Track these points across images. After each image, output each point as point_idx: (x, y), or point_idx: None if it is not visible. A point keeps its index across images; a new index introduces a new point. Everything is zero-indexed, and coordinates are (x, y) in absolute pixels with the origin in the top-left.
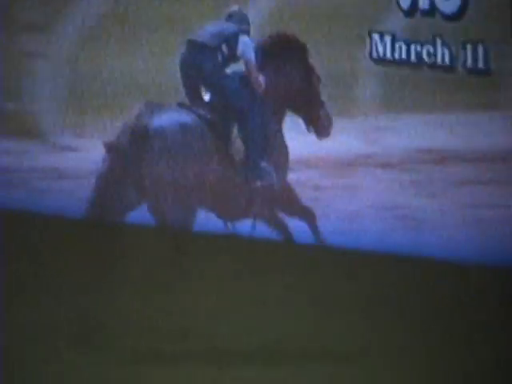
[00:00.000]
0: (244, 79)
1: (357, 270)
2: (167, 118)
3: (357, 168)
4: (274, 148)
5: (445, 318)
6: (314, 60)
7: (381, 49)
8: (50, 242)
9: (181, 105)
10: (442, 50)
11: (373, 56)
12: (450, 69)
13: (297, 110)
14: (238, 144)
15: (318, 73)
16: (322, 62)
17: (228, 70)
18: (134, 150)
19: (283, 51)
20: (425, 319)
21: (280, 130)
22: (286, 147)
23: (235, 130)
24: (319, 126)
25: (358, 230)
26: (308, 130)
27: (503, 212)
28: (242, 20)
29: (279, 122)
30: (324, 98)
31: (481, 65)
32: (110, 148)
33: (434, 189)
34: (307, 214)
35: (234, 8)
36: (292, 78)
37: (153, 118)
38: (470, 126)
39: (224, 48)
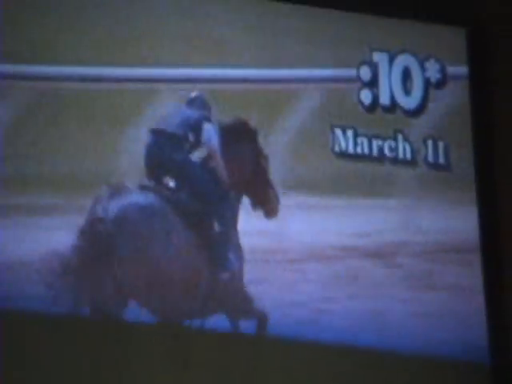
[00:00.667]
0: (207, 166)
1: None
2: (130, 201)
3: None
4: (235, 236)
5: None
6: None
7: (343, 143)
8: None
9: (143, 187)
10: (404, 145)
11: (335, 150)
12: (411, 163)
13: (248, 192)
14: (204, 230)
15: (265, 153)
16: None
17: (192, 157)
18: (102, 236)
19: (234, 136)
20: None
21: (237, 216)
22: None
23: (201, 216)
24: (268, 205)
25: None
26: (254, 209)
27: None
28: (203, 106)
29: (237, 208)
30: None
31: (441, 160)
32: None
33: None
34: (260, 314)
35: (195, 94)
36: (243, 162)
37: (114, 202)
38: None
39: (190, 136)
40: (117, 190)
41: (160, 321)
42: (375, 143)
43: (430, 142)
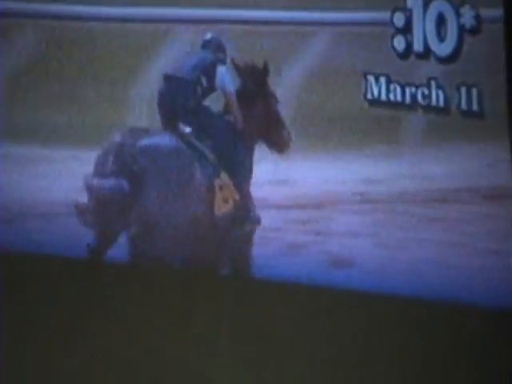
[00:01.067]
0: (222, 113)
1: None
2: (156, 141)
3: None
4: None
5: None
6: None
7: (376, 90)
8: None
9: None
10: (437, 93)
11: (368, 97)
12: (444, 111)
13: (262, 137)
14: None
15: (273, 92)
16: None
17: (206, 102)
18: (123, 173)
19: (245, 77)
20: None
21: (252, 166)
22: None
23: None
24: (281, 142)
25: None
26: (271, 151)
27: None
28: (218, 48)
29: (251, 155)
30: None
31: (475, 107)
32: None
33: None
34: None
35: (209, 36)
36: (255, 105)
37: (140, 141)
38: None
39: (203, 80)
40: (142, 132)
41: (184, 266)
42: (408, 90)
43: (463, 89)
